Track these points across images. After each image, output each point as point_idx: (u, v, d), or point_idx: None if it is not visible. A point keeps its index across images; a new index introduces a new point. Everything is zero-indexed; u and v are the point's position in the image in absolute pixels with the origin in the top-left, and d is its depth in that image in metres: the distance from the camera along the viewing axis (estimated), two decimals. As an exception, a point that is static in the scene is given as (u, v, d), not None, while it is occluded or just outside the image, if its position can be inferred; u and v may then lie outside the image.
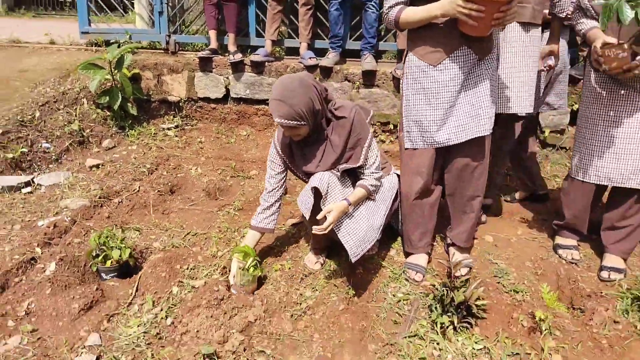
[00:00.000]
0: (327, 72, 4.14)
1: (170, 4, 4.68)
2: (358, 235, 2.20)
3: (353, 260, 2.18)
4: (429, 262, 2.53)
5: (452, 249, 2.56)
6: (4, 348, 1.92)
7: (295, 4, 4.31)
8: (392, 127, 4.12)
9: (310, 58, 4.12)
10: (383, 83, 4.07)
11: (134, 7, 5.27)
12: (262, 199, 2.45)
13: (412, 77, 2.25)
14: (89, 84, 3.95)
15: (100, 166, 3.57)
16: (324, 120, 2.22)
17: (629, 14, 1.80)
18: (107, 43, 4.71)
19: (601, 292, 2.32)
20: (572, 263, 2.56)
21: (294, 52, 4.49)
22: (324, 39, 4.44)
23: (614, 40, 2.13)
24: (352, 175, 2.36)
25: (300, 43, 4.26)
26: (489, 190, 2.90)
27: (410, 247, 2.51)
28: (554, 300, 2.12)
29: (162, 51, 4.72)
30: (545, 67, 2.71)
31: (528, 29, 2.46)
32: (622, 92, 2.28)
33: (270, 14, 4.17)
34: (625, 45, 2.08)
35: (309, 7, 4.10)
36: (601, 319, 2.15)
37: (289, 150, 2.35)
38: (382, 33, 4.49)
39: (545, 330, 2.04)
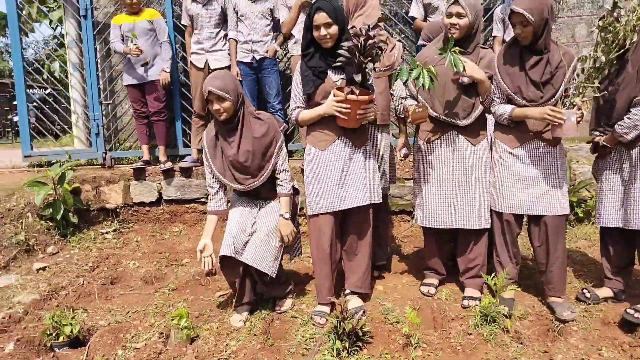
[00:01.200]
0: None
1: (105, 126, 5.39)
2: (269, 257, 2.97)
3: (273, 275, 2.98)
4: (332, 309, 3.13)
5: (348, 297, 3.18)
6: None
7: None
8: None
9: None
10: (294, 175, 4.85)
11: (71, 131, 5.93)
12: (208, 187, 3.11)
13: (309, 161, 3.04)
14: (34, 199, 4.46)
15: (46, 268, 4.01)
16: (245, 110, 2.95)
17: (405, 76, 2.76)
18: (49, 163, 5.28)
19: (461, 316, 3.01)
20: (428, 296, 3.27)
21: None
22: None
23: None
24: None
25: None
26: (382, 251, 3.63)
27: (320, 298, 3.13)
28: (415, 317, 2.76)
29: (100, 166, 5.35)
30: (402, 156, 3.59)
31: (380, 131, 3.36)
32: (436, 153, 3.14)
33: (194, 127, 4.96)
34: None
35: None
36: (457, 332, 2.81)
37: (214, 141, 3.01)
38: (294, 136, 5.37)
39: (415, 343, 2.67)
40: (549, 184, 2.95)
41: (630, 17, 2.58)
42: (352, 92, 2.76)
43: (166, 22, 5.06)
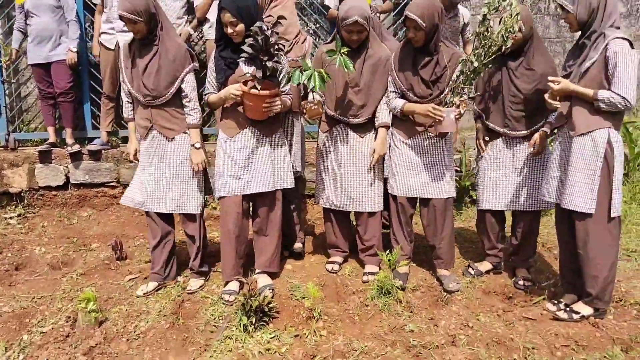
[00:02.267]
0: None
1: (8, 106, 5.14)
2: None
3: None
4: (241, 287, 3.28)
5: (257, 276, 3.34)
6: None
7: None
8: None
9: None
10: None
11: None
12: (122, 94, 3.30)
13: (219, 146, 3.19)
14: None
15: (-58, 256, 3.82)
16: (160, 30, 3.05)
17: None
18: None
19: (361, 290, 3.26)
20: (333, 273, 3.52)
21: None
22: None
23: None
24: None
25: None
26: (295, 235, 3.81)
27: (225, 276, 3.26)
28: (317, 292, 2.98)
29: (2, 148, 5.09)
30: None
31: (297, 117, 3.60)
32: (330, 142, 3.41)
33: (104, 109, 4.84)
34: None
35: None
36: (356, 304, 3.07)
37: (129, 51, 3.13)
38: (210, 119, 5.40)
39: (317, 315, 2.88)
40: (436, 171, 3.28)
41: (500, 27, 2.89)
42: (254, 87, 2.90)
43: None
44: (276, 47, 2.92)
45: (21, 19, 4.74)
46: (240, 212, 3.20)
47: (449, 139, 3.34)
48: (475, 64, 2.95)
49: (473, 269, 3.49)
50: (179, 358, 2.61)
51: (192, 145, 3.17)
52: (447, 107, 3.05)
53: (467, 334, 2.77)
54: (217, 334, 2.80)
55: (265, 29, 2.85)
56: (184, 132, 3.19)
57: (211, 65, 3.16)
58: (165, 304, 3.11)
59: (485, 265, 3.53)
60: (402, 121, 3.30)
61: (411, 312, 3.00)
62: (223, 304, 3.11)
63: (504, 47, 2.91)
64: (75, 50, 4.70)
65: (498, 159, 3.34)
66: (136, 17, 2.91)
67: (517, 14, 2.84)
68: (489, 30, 2.90)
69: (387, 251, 3.32)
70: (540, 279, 3.43)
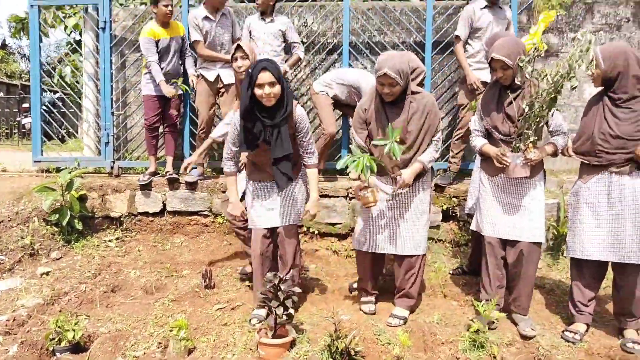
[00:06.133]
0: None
1: (115, 135, 5.53)
2: None
3: None
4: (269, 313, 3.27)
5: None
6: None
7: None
8: (305, 229, 4.96)
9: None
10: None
11: (77, 135, 6.07)
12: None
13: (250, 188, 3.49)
14: (42, 204, 4.59)
15: (49, 273, 4.11)
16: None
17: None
18: (57, 169, 5.42)
19: (451, 340, 3.10)
20: (371, 314, 3.45)
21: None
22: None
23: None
24: None
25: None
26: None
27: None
28: (407, 339, 2.86)
29: (107, 175, 5.47)
30: None
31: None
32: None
33: (200, 140, 5.09)
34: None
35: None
36: (446, 356, 2.91)
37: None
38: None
39: (404, 364, 2.77)
40: (523, 212, 3.20)
41: (556, 74, 2.90)
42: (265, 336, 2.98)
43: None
44: (288, 295, 2.95)
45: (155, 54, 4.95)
46: (267, 242, 3.44)
47: (540, 179, 3.26)
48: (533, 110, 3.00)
49: (571, 333, 3.18)
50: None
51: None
52: (513, 152, 3.12)
53: (571, 400, 2.53)
54: (301, 374, 2.76)
55: (277, 280, 2.96)
56: None
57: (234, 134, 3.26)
58: (251, 336, 3.12)
59: (581, 327, 3.22)
60: (486, 159, 3.32)
61: (506, 369, 2.80)
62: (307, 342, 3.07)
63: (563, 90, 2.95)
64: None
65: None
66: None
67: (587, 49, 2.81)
68: (540, 76, 2.95)
69: (484, 301, 3.14)
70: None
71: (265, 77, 2.99)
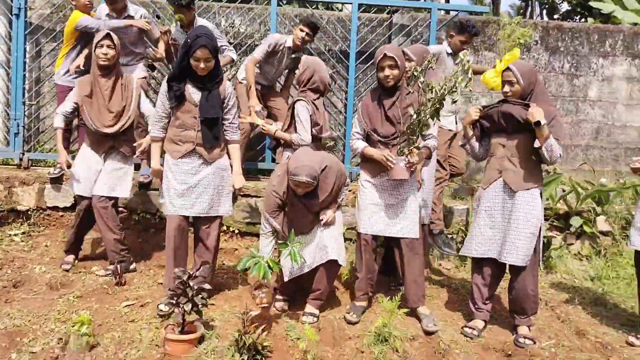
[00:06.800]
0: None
1: (26, 126, 5.25)
2: None
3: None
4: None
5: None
6: None
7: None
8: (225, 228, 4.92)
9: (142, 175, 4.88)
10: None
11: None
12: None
13: (166, 165, 3.48)
14: (-62, 194, 4.26)
15: (-57, 267, 3.83)
16: None
17: None
18: (-42, 159, 5.06)
19: (357, 335, 3.20)
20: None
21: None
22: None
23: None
24: None
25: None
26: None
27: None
28: (313, 334, 2.93)
29: (16, 167, 5.18)
30: None
31: None
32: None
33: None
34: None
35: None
36: (351, 349, 3.01)
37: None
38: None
39: (310, 358, 2.82)
40: (399, 211, 3.44)
41: (442, 87, 3.15)
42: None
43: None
44: (197, 291, 2.95)
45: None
46: (182, 230, 3.54)
47: (413, 182, 3.48)
48: (420, 117, 3.21)
49: (470, 329, 3.38)
50: (167, 391, 2.55)
51: None
52: (399, 156, 3.30)
53: (463, 389, 2.70)
54: (207, 369, 2.75)
55: (186, 276, 2.96)
56: None
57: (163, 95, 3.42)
58: (157, 333, 3.07)
59: (479, 323, 3.43)
60: (368, 161, 3.49)
61: (407, 362, 2.93)
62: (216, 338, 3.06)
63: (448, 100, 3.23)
64: None
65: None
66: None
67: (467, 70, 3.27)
68: (428, 87, 3.17)
69: (389, 297, 3.27)
70: (541, 338, 3.35)
71: (203, 53, 3.20)
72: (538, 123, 3.03)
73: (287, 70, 5.01)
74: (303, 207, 3.37)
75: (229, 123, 3.53)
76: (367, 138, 3.48)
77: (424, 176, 3.77)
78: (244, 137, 4.91)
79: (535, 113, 3.04)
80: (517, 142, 3.25)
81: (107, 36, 3.75)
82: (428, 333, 3.29)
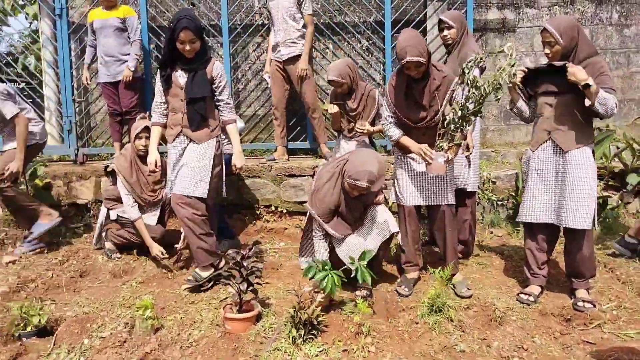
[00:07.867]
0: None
1: (78, 123, 5.47)
2: None
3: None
4: None
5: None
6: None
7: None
8: (273, 209, 5.02)
9: None
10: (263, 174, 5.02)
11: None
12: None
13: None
14: (5, 194, 4.53)
15: (15, 262, 4.10)
16: None
17: None
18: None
19: (411, 307, 3.22)
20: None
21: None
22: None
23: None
24: None
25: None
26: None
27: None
28: (366, 307, 2.97)
29: (72, 162, 5.42)
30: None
31: None
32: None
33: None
34: None
35: None
36: (405, 321, 3.03)
37: None
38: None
39: (365, 331, 2.87)
40: (437, 179, 3.46)
41: (493, 78, 3.01)
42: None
43: (140, 22, 5.15)
44: (251, 271, 2.97)
45: (92, 37, 5.04)
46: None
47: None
48: (463, 112, 3.08)
49: (526, 295, 3.33)
50: (229, 367, 2.66)
51: None
52: (437, 151, 3.21)
53: (522, 356, 2.67)
54: (266, 345, 2.84)
55: (239, 256, 2.98)
56: None
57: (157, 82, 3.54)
58: (217, 313, 3.19)
59: (535, 289, 3.38)
60: (403, 150, 3.49)
61: (463, 331, 2.92)
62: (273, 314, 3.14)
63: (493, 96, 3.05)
64: (132, 68, 4.92)
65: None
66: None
67: (513, 64, 3.02)
68: (476, 82, 3.02)
69: (440, 268, 3.26)
70: (601, 300, 3.27)
71: (187, 35, 3.26)
72: (586, 85, 2.89)
73: None
74: (356, 202, 3.42)
75: (224, 104, 3.56)
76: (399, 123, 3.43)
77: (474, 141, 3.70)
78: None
79: (577, 73, 2.91)
80: (565, 101, 3.13)
81: (146, 129, 3.96)
82: (462, 297, 3.33)
